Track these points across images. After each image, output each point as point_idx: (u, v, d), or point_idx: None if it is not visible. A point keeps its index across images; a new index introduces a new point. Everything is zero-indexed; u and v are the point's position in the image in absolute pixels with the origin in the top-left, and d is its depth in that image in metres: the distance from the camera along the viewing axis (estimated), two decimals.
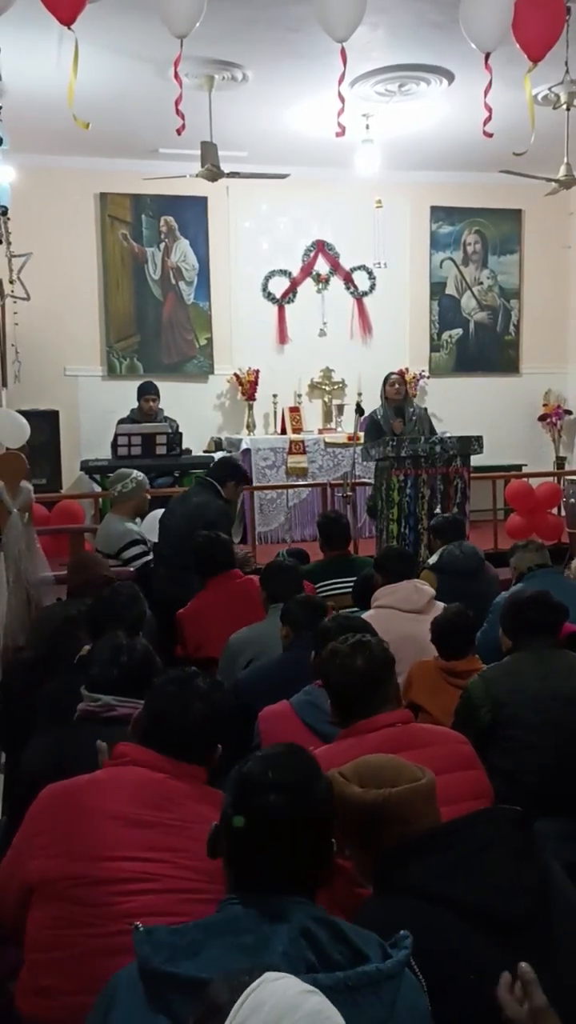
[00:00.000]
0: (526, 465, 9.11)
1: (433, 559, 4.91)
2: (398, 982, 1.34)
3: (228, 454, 5.70)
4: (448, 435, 6.56)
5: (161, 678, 2.20)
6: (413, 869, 1.60)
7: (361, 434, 7.46)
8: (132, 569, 4.78)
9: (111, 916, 1.82)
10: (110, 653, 2.53)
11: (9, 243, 4.62)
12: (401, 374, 7.75)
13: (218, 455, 8.47)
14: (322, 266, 9.31)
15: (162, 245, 8.85)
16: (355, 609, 4.13)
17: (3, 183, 5.56)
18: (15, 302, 5.07)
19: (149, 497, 5.71)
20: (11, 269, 4.98)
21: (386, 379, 7.26)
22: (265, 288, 9.16)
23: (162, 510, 5.34)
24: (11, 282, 4.94)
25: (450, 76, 6.48)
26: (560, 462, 9.75)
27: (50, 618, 3.61)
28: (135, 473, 5.49)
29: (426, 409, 7.43)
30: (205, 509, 4.89)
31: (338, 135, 4.42)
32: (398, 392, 7.17)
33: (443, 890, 1.56)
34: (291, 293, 9.24)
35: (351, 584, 4.58)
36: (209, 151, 6.52)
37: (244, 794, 1.51)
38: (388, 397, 7.18)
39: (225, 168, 6.59)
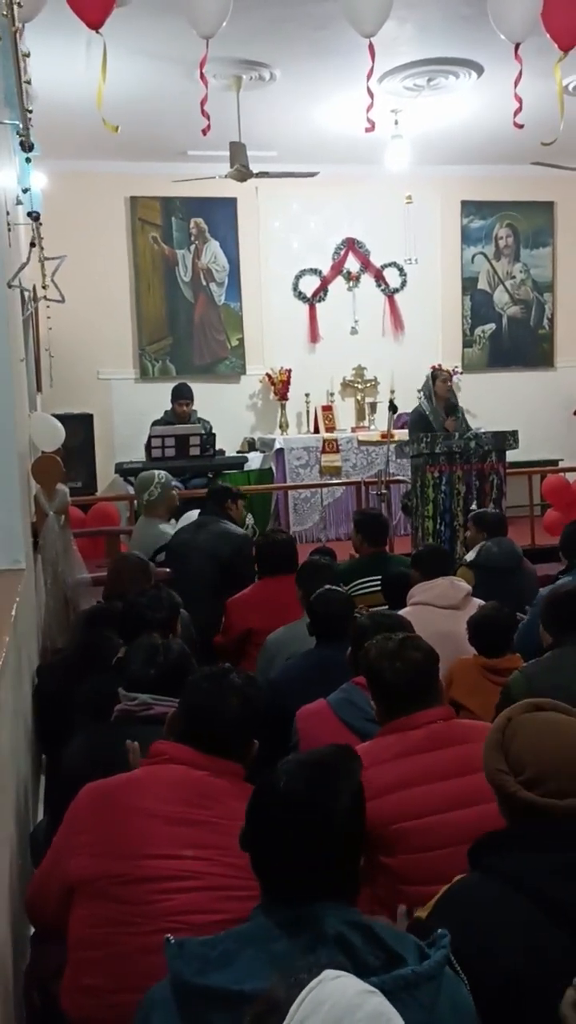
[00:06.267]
0: (562, 460, 9.02)
1: (470, 556, 4.86)
2: (437, 983, 1.31)
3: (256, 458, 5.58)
4: (483, 430, 6.50)
5: (195, 675, 2.21)
6: (520, 859, 1.56)
7: (395, 432, 7.41)
8: (168, 570, 4.78)
9: (153, 914, 1.82)
10: (146, 653, 2.54)
11: (42, 248, 4.65)
12: (448, 370, 7.61)
13: (252, 455, 8.49)
14: (353, 264, 9.29)
15: (192, 247, 8.88)
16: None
17: (35, 189, 5.58)
18: (48, 306, 5.11)
19: (177, 493, 5.62)
20: (44, 274, 5.02)
21: (436, 375, 7.07)
22: (296, 287, 9.16)
23: (197, 511, 5.32)
24: (44, 287, 4.97)
25: (479, 69, 6.43)
26: None
27: (88, 620, 3.63)
28: (157, 476, 5.33)
29: (465, 408, 7.30)
30: (229, 536, 4.88)
31: (367, 131, 4.41)
32: (449, 389, 7.00)
33: (545, 888, 1.52)
34: (322, 292, 9.23)
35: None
36: (238, 151, 6.53)
37: (256, 803, 1.50)
38: (438, 394, 6.99)
39: (254, 168, 6.60)
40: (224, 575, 4.67)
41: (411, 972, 1.28)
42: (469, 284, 9.62)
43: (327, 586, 3.46)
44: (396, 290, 9.40)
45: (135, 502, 7.15)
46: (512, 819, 1.63)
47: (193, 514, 5.35)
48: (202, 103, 4.36)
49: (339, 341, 9.20)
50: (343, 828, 1.46)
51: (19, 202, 3.95)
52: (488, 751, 1.68)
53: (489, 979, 1.46)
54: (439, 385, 6.99)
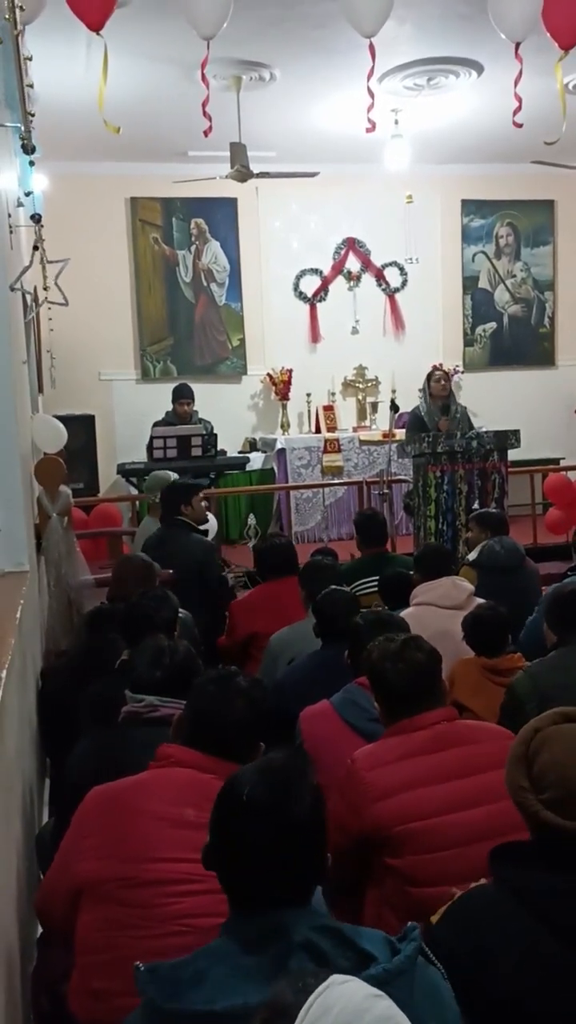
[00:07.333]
0: (564, 458, 9.02)
1: (473, 555, 4.86)
2: (410, 977, 1.31)
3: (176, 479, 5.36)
4: (485, 430, 6.49)
5: (201, 678, 2.20)
6: (533, 875, 1.54)
7: (397, 431, 7.40)
8: (171, 571, 4.78)
9: (160, 917, 1.82)
10: (153, 654, 2.53)
11: (43, 250, 4.65)
12: (445, 370, 7.61)
13: (253, 456, 8.49)
14: (353, 263, 9.29)
15: (193, 247, 8.87)
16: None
17: (36, 192, 5.57)
18: (49, 308, 5.10)
19: None
20: (45, 276, 5.01)
21: (430, 375, 7.10)
22: (296, 287, 9.16)
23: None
24: (45, 289, 4.97)
25: (479, 68, 6.42)
26: None
27: (90, 623, 3.63)
28: (172, 477, 5.46)
29: (466, 408, 7.29)
30: (192, 549, 4.78)
31: (368, 130, 4.40)
32: (443, 388, 6.99)
33: (553, 908, 1.50)
34: (322, 291, 9.22)
35: None
36: (238, 152, 6.53)
37: (221, 817, 1.48)
38: (433, 394, 7.01)
39: (254, 168, 6.59)
40: (200, 580, 4.64)
41: (382, 971, 1.27)
42: (470, 283, 9.61)
43: (332, 586, 3.46)
44: (397, 289, 9.40)
45: (137, 503, 7.17)
46: (532, 833, 1.61)
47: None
48: (204, 104, 4.36)
49: (340, 341, 9.19)
50: (310, 829, 1.46)
51: (20, 204, 3.96)
52: (511, 764, 1.63)
53: (486, 990, 1.46)
54: (433, 384, 6.99)
